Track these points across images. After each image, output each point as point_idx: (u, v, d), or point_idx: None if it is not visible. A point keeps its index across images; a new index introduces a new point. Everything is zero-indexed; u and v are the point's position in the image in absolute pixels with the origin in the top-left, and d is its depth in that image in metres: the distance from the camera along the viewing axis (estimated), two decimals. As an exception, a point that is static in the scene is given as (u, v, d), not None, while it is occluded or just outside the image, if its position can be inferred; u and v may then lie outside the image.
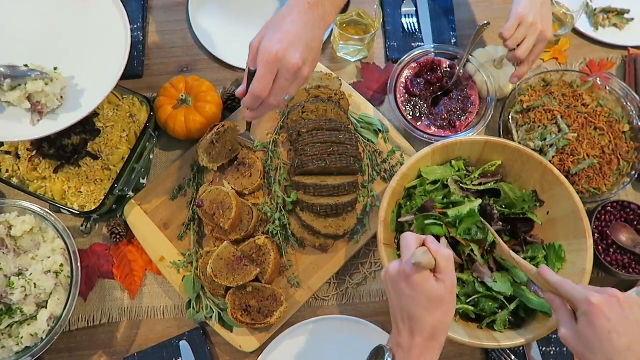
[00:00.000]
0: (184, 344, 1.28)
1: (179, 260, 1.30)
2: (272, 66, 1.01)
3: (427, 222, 1.14)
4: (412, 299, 0.86)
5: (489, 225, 1.12)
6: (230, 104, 1.45)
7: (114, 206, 1.36)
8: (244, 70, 1.28)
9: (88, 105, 1.15)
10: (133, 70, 1.51)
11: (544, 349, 1.26)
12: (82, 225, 1.35)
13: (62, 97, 1.14)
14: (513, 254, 1.06)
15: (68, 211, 1.30)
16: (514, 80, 1.32)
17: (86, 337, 1.31)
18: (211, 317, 1.25)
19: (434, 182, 1.25)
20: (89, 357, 1.29)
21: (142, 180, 1.39)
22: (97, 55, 1.20)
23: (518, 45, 1.25)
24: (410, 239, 0.91)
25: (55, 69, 1.15)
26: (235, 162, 1.36)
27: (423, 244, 0.90)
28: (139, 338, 1.31)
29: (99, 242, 1.38)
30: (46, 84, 1.10)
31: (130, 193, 1.36)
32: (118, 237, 1.34)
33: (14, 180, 1.32)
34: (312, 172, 1.31)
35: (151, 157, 1.43)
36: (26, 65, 1.12)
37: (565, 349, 1.25)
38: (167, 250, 1.32)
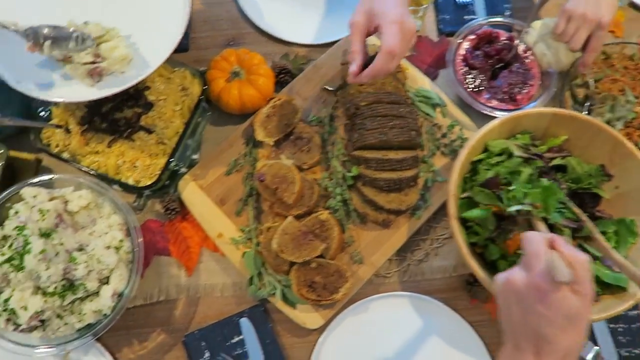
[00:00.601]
0: (244, 321, 1.25)
1: (239, 237, 1.27)
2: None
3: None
4: (546, 318, 0.72)
5: (580, 211, 1.09)
6: (282, 77, 1.41)
7: (167, 182, 1.32)
8: (292, 43, 1.33)
9: (146, 69, 1.11)
10: (179, 44, 1.46)
11: (611, 325, 1.24)
12: (134, 202, 1.32)
13: (120, 59, 1.10)
14: (616, 254, 1.03)
15: (123, 186, 1.26)
16: (581, 70, 1.30)
17: (143, 314, 1.28)
18: (274, 293, 1.22)
19: (499, 155, 1.22)
20: (147, 335, 1.27)
21: (193, 156, 1.35)
22: (155, 18, 1.18)
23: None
24: (537, 241, 0.76)
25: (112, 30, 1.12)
26: (292, 137, 1.33)
27: (551, 246, 0.76)
28: (198, 315, 1.28)
29: (152, 219, 1.34)
30: (100, 44, 1.07)
31: (184, 169, 1.33)
32: (173, 213, 1.31)
33: (65, 155, 1.28)
34: (372, 146, 1.28)
35: (197, 131, 1.38)
36: (86, 23, 1.09)
37: (633, 325, 1.24)
38: (225, 227, 1.29)
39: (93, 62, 1.08)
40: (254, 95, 1.33)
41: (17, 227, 1.08)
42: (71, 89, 1.12)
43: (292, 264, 1.21)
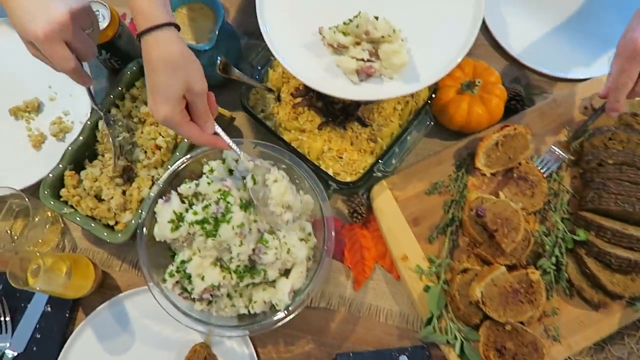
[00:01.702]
0: (405, 360, 1.10)
1: (426, 267, 1.12)
2: None
3: None
4: None
5: None
6: (513, 103, 1.24)
7: (361, 182, 1.19)
8: (528, 68, 1.24)
9: (424, 79, 0.98)
10: (406, 37, 1.32)
11: None
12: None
13: (397, 65, 0.97)
14: None
15: (317, 173, 1.14)
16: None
17: (298, 315, 1.15)
18: (452, 344, 1.06)
19: None
20: (296, 339, 1.15)
21: (395, 162, 1.21)
22: (440, 34, 1.02)
23: None
24: None
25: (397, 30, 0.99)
26: (515, 175, 1.16)
27: None
28: (353, 335, 1.15)
29: (332, 216, 1.21)
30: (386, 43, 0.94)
31: (380, 173, 1.19)
32: (358, 217, 1.17)
33: (269, 123, 1.18)
34: (609, 212, 1.09)
35: (408, 139, 1.24)
36: (376, 17, 0.97)
37: None
38: (412, 250, 1.14)
39: (368, 60, 0.96)
40: (482, 116, 1.17)
41: (220, 190, 0.98)
42: (331, 81, 1.01)
43: (484, 318, 1.05)
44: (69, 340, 1.11)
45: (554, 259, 1.09)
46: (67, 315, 1.14)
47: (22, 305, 1.14)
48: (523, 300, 1.02)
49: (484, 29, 1.34)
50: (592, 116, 1.16)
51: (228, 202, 0.97)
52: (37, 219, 1.13)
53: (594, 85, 1.24)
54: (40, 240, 1.16)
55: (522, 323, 1.05)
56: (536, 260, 1.11)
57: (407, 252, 1.14)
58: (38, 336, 1.13)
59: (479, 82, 1.14)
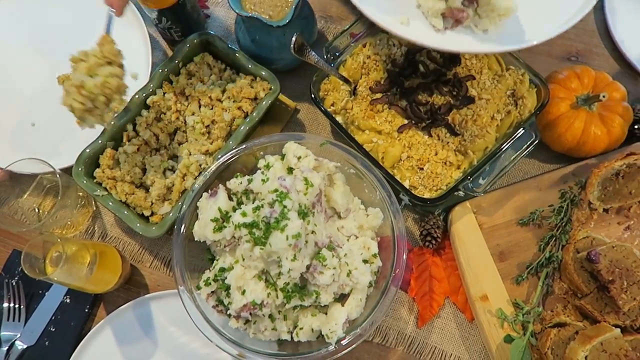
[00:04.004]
0: None
1: (510, 313, 0.91)
2: None
3: None
4: None
5: None
6: (638, 128, 1.01)
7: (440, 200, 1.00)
8: None
9: (525, 38, 0.78)
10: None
11: None
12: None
13: (500, 12, 0.78)
14: None
15: (390, 184, 0.96)
16: None
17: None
18: (536, 413, 0.85)
19: None
20: (342, 376, 0.96)
21: (484, 182, 1.00)
22: None
23: None
24: None
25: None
26: (630, 211, 0.93)
27: None
28: (410, 382, 0.95)
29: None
30: None
31: (463, 192, 0.99)
32: (431, 241, 0.98)
33: (339, 119, 1.00)
34: None
35: (502, 157, 1.03)
36: None
37: None
38: (494, 290, 0.94)
39: (462, 4, 0.78)
40: (600, 138, 0.96)
41: (277, 190, 0.81)
42: (411, 24, 0.82)
43: (580, 388, 0.83)
44: (85, 339, 0.97)
45: (678, 327, 0.86)
46: (86, 310, 1.00)
47: (40, 292, 1.01)
48: (639, 376, 0.80)
49: (606, 35, 1.13)
50: None
51: (285, 207, 0.80)
52: (68, 199, 1.00)
53: None
54: (69, 222, 1.03)
55: (630, 402, 0.82)
56: (655, 325, 0.88)
57: (487, 291, 0.94)
58: (52, 329, 1.00)
59: (603, 97, 0.93)
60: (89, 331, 0.98)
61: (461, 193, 0.97)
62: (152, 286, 1.04)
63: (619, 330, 0.82)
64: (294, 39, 0.86)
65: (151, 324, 1.00)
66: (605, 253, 0.85)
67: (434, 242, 0.98)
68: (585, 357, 0.80)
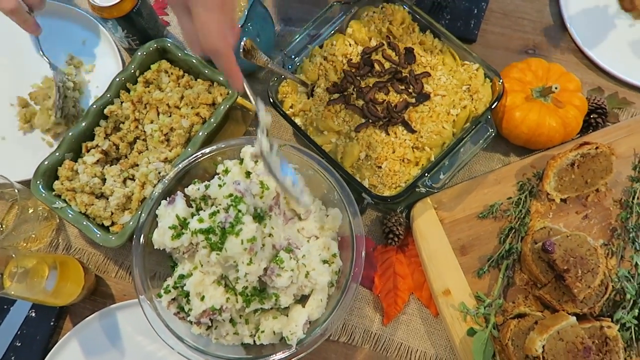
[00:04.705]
0: (442, 420, 0.90)
1: (476, 307, 0.92)
2: None
3: None
4: None
5: None
6: (593, 118, 1.03)
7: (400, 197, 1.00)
8: (613, 77, 1.06)
9: None
10: (467, 32, 1.14)
11: None
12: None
13: None
14: None
15: (348, 183, 0.96)
16: None
17: (313, 350, 0.98)
18: (500, 405, 0.86)
19: None
20: (309, 376, 0.97)
21: (444, 177, 1.01)
22: None
23: None
24: None
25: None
26: (587, 201, 0.95)
27: None
28: (378, 380, 0.96)
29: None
30: None
31: (424, 189, 0.99)
32: (394, 239, 0.99)
33: (297, 121, 1.01)
34: None
35: (461, 150, 1.04)
36: None
37: None
38: (456, 284, 0.95)
39: None
40: (555, 129, 0.97)
41: (232, 195, 0.81)
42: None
43: (541, 378, 0.84)
44: (51, 352, 0.97)
45: (636, 312, 0.88)
46: (52, 323, 1.00)
47: (5, 307, 1.01)
48: (596, 361, 0.81)
49: (562, 27, 1.14)
50: None
51: (239, 211, 0.80)
52: (29, 212, 0.99)
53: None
54: (32, 236, 1.03)
55: (590, 389, 0.83)
56: (613, 311, 0.89)
57: (450, 285, 0.94)
58: (18, 344, 0.99)
59: (555, 88, 0.94)
60: (55, 344, 0.98)
61: (423, 189, 0.97)
62: (118, 296, 1.03)
63: (574, 318, 0.83)
64: (242, 43, 0.86)
65: (118, 334, 0.99)
66: (560, 243, 0.86)
67: (396, 239, 0.99)
68: (543, 347, 0.81)
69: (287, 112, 1.01)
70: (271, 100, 1.00)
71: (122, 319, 1.00)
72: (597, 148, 0.93)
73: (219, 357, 0.85)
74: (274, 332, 0.85)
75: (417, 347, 0.97)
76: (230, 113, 1.07)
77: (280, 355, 0.83)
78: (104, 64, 1.15)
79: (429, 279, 0.96)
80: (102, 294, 1.04)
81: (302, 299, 0.88)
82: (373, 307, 1.00)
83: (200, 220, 0.82)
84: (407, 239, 1.02)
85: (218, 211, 0.82)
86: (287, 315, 0.86)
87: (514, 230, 0.96)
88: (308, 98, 1.01)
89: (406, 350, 0.97)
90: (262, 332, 0.85)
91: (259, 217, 0.82)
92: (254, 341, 0.87)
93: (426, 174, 0.93)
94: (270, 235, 0.84)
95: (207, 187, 0.88)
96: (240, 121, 1.10)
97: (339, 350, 0.98)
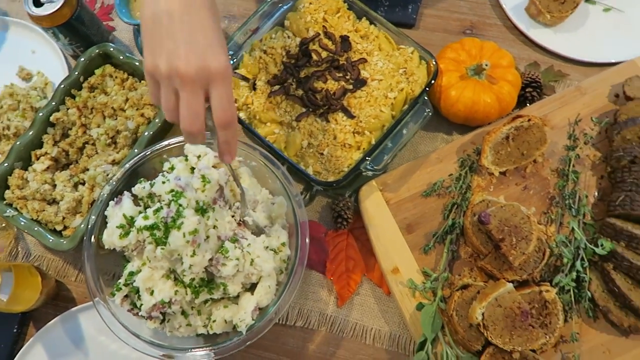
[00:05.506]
0: (397, 392, 0.93)
1: (421, 282, 0.95)
2: None
3: None
4: None
5: None
6: (528, 92, 1.06)
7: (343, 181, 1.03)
8: (548, 51, 1.09)
9: None
10: (405, 17, 1.17)
11: None
12: (300, 194, 1.04)
13: None
14: None
15: (294, 172, 0.99)
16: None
17: (272, 335, 1.01)
18: (449, 373, 0.89)
19: None
20: (268, 362, 1.00)
21: (386, 158, 1.04)
22: None
23: None
24: None
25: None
26: (526, 173, 0.98)
27: None
28: (336, 360, 0.99)
29: (314, 221, 1.06)
30: None
31: (370, 172, 1.02)
32: (343, 223, 1.01)
33: (241, 115, 1.03)
34: (642, 219, 0.90)
35: (404, 132, 1.07)
36: None
37: None
38: (404, 262, 0.97)
39: None
40: (491, 105, 1.00)
41: (173, 191, 0.84)
42: None
43: (487, 344, 0.87)
44: (15, 359, 0.99)
45: (574, 275, 0.91)
46: (15, 330, 1.02)
47: (-32, 317, 1.02)
48: (534, 324, 0.85)
49: (497, 5, 1.17)
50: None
51: (180, 205, 0.82)
52: (-15, 222, 1.01)
53: (627, 70, 1.06)
54: (-9, 246, 1.05)
55: (534, 351, 0.87)
56: (553, 276, 0.93)
57: (398, 263, 0.97)
58: (-18, 353, 1.01)
59: (486, 65, 0.97)
60: (20, 350, 1.00)
61: (369, 172, 0.99)
62: (79, 299, 1.06)
63: (511, 285, 0.86)
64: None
65: (81, 336, 1.02)
66: (495, 213, 0.89)
67: (345, 223, 1.02)
68: (483, 314, 0.84)
69: (231, 107, 1.03)
70: (214, 97, 1.02)
71: (84, 320, 1.02)
72: (529, 120, 0.96)
73: (176, 349, 0.88)
74: (225, 320, 0.87)
75: (372, 325, 1.00)
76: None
77: (232, 342, 0.85)
78: (52, 72, 1.16)
79: (378, 259, 0.99)
80: (64, 298, 1.06)
81: (252, 288, 0.90)
82: (327, 290, 1.02)
83: (146, 218, 0.84)
84: (357, 222, 1.05)
85: (162, 207, 0.84)
86: (238, 304, 0.89)
87: (456, 206, 0.99)
88: (250, 92, 1.04)
89: (362, 330, 1.00)
90: (214, 321, 0.88)
91: (201, 210, 0.85)
92: (208, 331, 0.89)
93: (367, 158, 0.96)
94: (214, 227, 0.86)
95: (152, 185, 0.90)
96: (188, 119, 1.11)
97: (296, 335, 1.01)
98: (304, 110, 1.00)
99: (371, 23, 1.07)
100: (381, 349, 0.99)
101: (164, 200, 0.86)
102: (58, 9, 1.02)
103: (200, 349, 0.87)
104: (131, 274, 0.87)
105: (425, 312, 0.92)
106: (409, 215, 1.00)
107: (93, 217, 0.91)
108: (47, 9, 1.01)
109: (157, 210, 0.84)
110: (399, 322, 0.99)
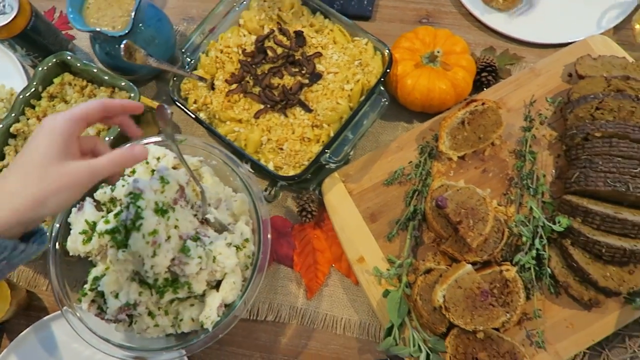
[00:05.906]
0: (368, 379, 0.95)
1: (386, 269, 0.97)
2: None
3: None
4: None
5: None
6: (484, 76, 1.08)
7: (309, 175, 1.04)
8: (502, 35, 1.12)
9: None
10: (361, 9, 1.18)
11: None
12: (264, 190, 1.06)
13: None
14: None
15: (257, 169, 1.00)
16: None
17: (244, 331, 1.02)
18: (416, 356, 0.90)
19: None
20: (243, 358, 1.01)
21: (347, 149, 1.05)
22: None
23: None
24: None
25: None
26: (484, 156, 0.99)
27: None
28: (308, 351, 1.00)
29: (280, 216, 1.07)
30: None
31: (333, 165, 1.03)
32: (308, 216, 1.03)
33: (202, 115, 1.04)
34: (598, 194, 0.92)
35: (364, 122, 1.09)
36: None
37: None
38: (369, 250, 0.99)
39: None
40: (446, 91, 1.01)
41: (131, 193, 0.84)
42: None
43: (451, 326, 0.89)
44: (-11, 371, 0.99)
45: (534, 253, 0.93)
46: (-13, 342, 1.02)
47: (-60, 332, 1.03)
48: (495, 304, 0.86)
49: (451, -6, 1.19)
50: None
51: (139, 207, 0.83)
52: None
53: (579, 49, 1.08)
54: (-41, 260, 1.04)
55: (497, 329, 0.89)
56: (514, 255, 0.94)
57: (363, 253, 0.99)
58: (-44, 367, 1.01)
59: (438, 52, 0.99)
60: (-7, 362, 1.00)
61: (332, 165, 1.01)
62: (51, 308, 1.06)
63: (470, 266, 0.88)
64: (122, 46, 0.89)
65: (54, 344, 1.02)
66: (452, 197, 0.90)
67: (309, 216, 1.03)
68: (444, 297, 0.86)
69: (192, 107, 1.05)
70: (174, 99, 1.03)
71: (57, 329, 1.03)
72: (483, 104, 0.97)
73: (148, 351, 0.88)
74: (192, 319, 0.88)
75: (342, 315, 1.01)
76: (140, 116, 1.09)
77: (199, 340, 0.86)
78: (11, 83, 1.16)
79: (344, 249, 1.00)
80: (36, 308, 1.06)
81: (218, 285, 0.91)
82: (296, 283, 1.04)
83: (107, 222, 0.85)
84: (322, 215, 1.06)
85: (122, 210, 0.85)
86: (205, 302, 0.90)
87: (417, 192, 1.00)
88: (209, 92, 1.04)
89: (332, 320, 1.01)
90: (182, 320, 0.89)
91: (161, 211, 0.85)
92: (176, 331, 0.90)
93: (327, 150, 0.97)
94: (176, 226, 0.87)
95: (112, 189, 0.91)
96: (151, 122, 1.12)
97: (268, 329, 1.02)
98: (262, 106, 1.01)
99: (325, 17, 1.08)
100: (352, 338, 1.00)
101: (123, 204, 0.86)
102: (12, 20, 1.02)
103: (171, 350, 0.88)
104: (96, 278, 0.88)
105: (391, 299, 0.93)
106: (371, 204, 1.02)
107: (57, 224, 0.92)
108: (0, 21, 1.02)
109: (117, 214, 0.85)
110: (368, 311, 1.01)
